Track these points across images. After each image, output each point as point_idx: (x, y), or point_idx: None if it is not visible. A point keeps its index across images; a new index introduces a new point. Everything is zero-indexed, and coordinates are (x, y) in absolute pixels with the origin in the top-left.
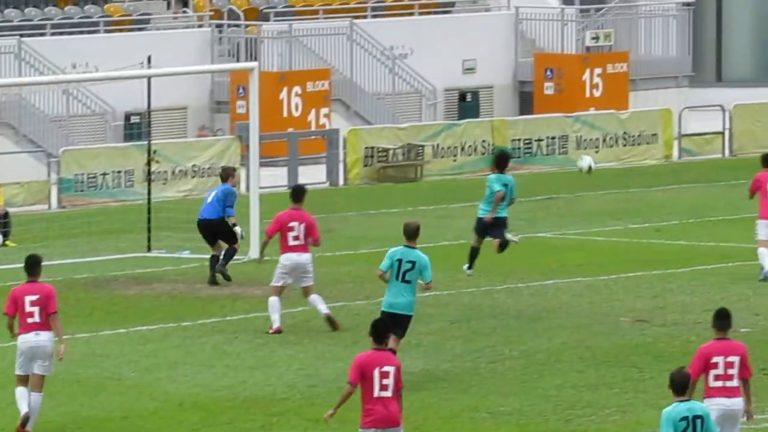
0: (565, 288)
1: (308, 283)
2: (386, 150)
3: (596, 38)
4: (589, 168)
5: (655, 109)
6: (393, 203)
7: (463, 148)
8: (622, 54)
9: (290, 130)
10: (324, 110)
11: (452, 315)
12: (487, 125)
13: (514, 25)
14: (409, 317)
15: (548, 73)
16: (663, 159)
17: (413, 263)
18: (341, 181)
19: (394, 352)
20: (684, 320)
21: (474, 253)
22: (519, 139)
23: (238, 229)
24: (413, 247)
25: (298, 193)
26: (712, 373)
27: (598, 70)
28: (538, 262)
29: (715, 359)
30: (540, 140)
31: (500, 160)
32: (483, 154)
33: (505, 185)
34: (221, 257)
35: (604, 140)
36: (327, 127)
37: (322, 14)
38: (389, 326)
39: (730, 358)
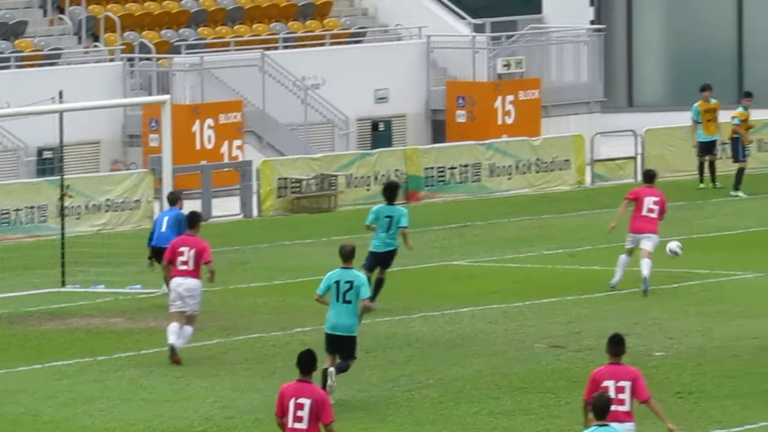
0: (480, 315)
1: (190, 309)
2: (300, 181)
3: (508, 65)
4: (675, 253)
5: (567, 135)
6: (307, 234)
7: (376, 178)
8: (533, 81)
9: (203, 162)
10: (237, 142)
11: (368, 344)
12: (400, 154)
13: (426, 54)
14: (352, 338)
15: (460, 101)
16: (576, 185)
17: (351, 283)
18: (255, 213)
19: (346, 367)
20: (599, 345)
21: (378, 284)
22: (432, 168)
23: None
24: (350, 268)
25: (191, 219)
26: None
27: (510, 98)
28: (452, 289)
29: (606, 383)
30: (453, 168)
31: (387, 192)
32: None
33: (389, 216)
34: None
35: (517, 167)
36: (240, 159)
37: (234, 46)
38: (314, 358)
39: (621, 383)
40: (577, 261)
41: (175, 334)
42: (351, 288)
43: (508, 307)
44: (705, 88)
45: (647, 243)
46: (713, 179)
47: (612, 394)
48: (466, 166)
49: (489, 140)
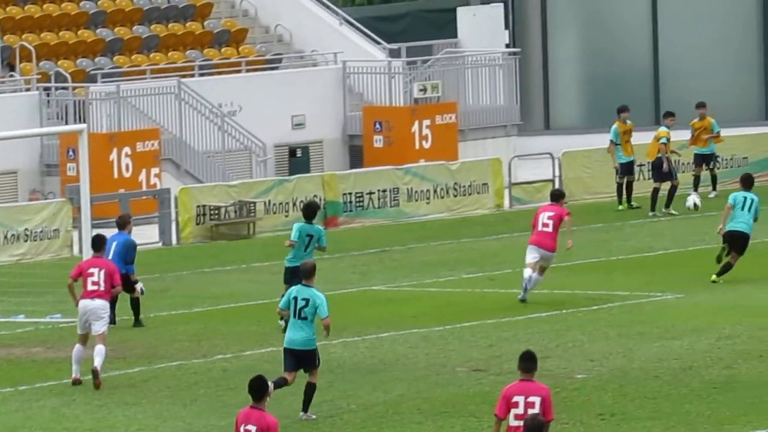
0: (400, 340)
1: (99, 329)
2: (218, 208)
3: (424, 90)
4: (695, 205)
5: (484, 159)
6: (227, 261)
7: (294, 204)
8: (450, 105)
9: (121, 191)
10: (154, 170)
11: None
12: (318, 180)
13: (342, 79)
14: (311, 351)
15: (377, 126)
16: (494, 208)
17: (307, 300)
18: (174, 241)
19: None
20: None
21: None
22: (350, 193)
23: (138, 286)
24: (309, 286)
25: (96, 242)
26: (513, 412)
27: (426, 122)
28: (372, 315)
29: (515, 399)
30: (371, 193)
31: (307, 211)
32: None
33: (310, 235)
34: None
35: (435, 191)
36: (158, 187)
37: (150, 74)
38: (264, 384)
39: (531, 398)
40: (496, 284)
41: (78, 362)
42: (307, 305)
43: (429, 332)
44: (623, 109)
45: (543, 261)
46: (629, 200)
47: (521, 410)
48: (384, 191)
49: (407, 165)
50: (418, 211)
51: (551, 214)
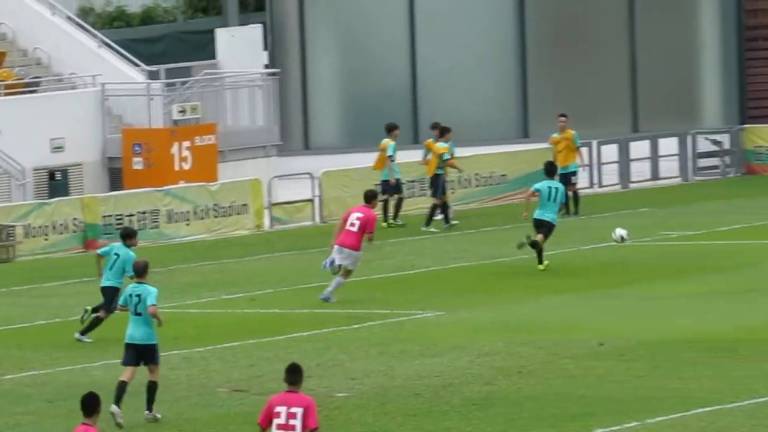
0: (162, 361)
1: None
2: None
3: (183, 111)
4: (621, 238)
5: (244, 180)
6: None
7: (54, 227)
8: (209, 126)
9: None
10: None
11: (50, 394)
12: (77, 203)
13: (101, 102)
14: (151, 346)
15: (137, 148)
16: (255, 229)
17: (139, 296)
18: None
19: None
20: (281, 388)
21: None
22: (110, 216)
23: None
24: (143, 282)
25: None
26: (275, 422)
27: (186, 144)
28: None
29: (278, 409)
30: (131, 215)
31: (124, 235)
32: (74, 231)
33: (118, 254)
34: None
35: (195, 213)
36: None
37: None
38: (96, 400)
39: (293, 409)
40: (257, 305)
41: None
42: (140, 301)
43: (190, 353)
44: (395, 127)
45: (346, 261)
46: (396, 216)
47: (283, 420)
48: (144, 212)
49: (166, 187)
50: (179, 232)
51: (360, 215)
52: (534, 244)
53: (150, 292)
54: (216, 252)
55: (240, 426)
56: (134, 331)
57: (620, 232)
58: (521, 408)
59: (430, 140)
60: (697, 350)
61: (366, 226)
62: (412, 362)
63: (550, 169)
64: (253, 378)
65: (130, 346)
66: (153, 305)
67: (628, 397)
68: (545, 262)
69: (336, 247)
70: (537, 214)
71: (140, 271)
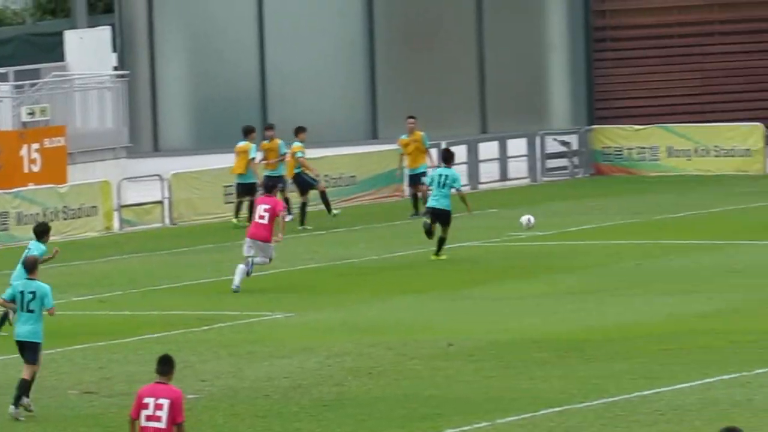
0: (12, 364)
1: None
2: None
3: (32, 113)
4: (528, 221)
5: (94, 182)
6: None
7: None
8: (59, 128)
9: None
10: None
11: None
12: None
13: None
14: (33, 343)
15: None
16: (104, 230)
17: (34, 293)
18: None
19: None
20: (131, 390)
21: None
22: None
23: None
24: (33, 279)
25: None
26: (143, 413)
27: (35, 146)
28: None
29: (146, 400)
30: None
31: (39, 232)
32: None
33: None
34: None
35: (44, 215)
36: None
37: None
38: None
39: (160, 401)
40: (107, 306)
41: None
42: (34, 298)
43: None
44: (253, 129)
45: (261, 254)
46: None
47: (151, 411)
48: None
49: (16, 189)
50: (29, 235)
51: (267, 207)
52: (429, 232)
53: (46, 291)
54: (65, 254)
55: (91, 428)
56: (21, 328)
57: (526, 217)
58: (371, 409)
59: (265, 141)
60: (546, 350)
61: (275, 211)
62: (262, 363)
63: (445, 156)
64: (103, 380)
65: (18, 344)
66: (53, 308)
67: (478, 397)
68: (443, 256)
69: (248, 240)
70: (430, 202)
71: (31, 268)
